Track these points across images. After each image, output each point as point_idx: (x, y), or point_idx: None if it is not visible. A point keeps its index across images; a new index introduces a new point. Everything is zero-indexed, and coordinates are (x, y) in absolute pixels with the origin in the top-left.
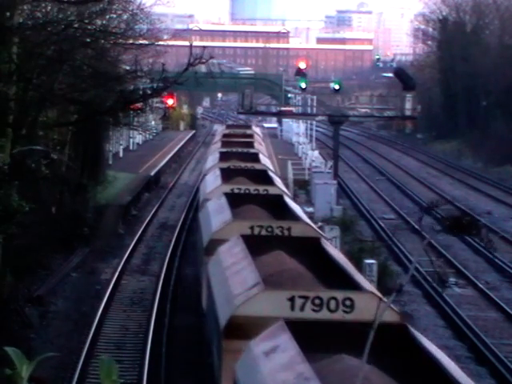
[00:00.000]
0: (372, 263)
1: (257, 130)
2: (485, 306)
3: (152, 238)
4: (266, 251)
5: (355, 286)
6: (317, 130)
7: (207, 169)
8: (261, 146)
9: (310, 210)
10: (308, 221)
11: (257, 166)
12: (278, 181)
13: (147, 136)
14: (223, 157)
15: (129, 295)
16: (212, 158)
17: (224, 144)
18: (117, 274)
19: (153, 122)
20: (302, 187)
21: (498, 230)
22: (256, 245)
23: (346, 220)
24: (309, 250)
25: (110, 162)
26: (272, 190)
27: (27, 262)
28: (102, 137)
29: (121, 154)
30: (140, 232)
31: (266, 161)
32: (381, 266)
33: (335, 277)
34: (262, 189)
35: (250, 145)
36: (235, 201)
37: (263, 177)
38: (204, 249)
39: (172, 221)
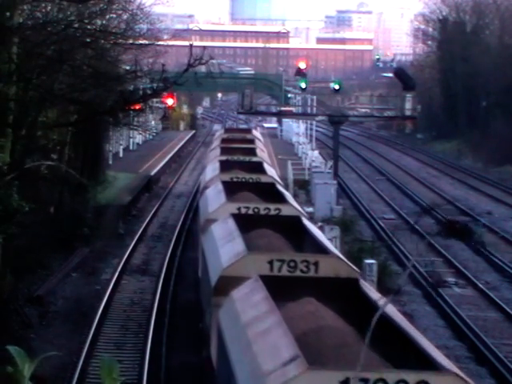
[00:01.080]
0: (372, 263)
1: (257, 134)
2: (485, 306)
3: (152, 238)
4: None
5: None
6: (317, 130)
7: (207, 181)
8: (263, 153)
9: (310, 210)
10: (338, 254)
11: (263, 179)
12: (289, 197)
13: (147, 136)
14: (224, 166)
15: (129, 295)
16: (212, 167)
17: (223, 151)
18: (117, 274)
19: (153, 122)
20: (302, 187)
21: (498, 230)
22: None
23: (346, 220)
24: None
25: (110, 162)
26: (286, 210)
27: (27, 262)
28: (102, 137)
29: (121, 154)
30: (140, 232)
31: (271, 171)
32: (381, 266)
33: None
34: (273, 208)
35: (253, 152)
36: (245, 224)
37: (272, 192)
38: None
39: (172, 221)
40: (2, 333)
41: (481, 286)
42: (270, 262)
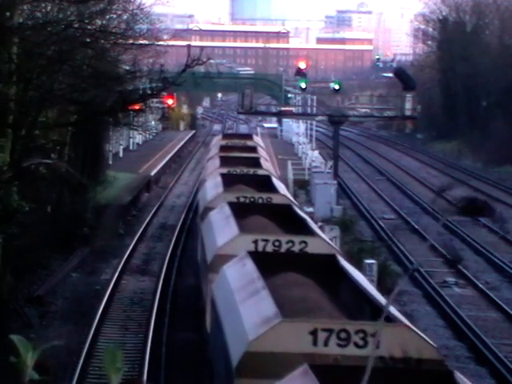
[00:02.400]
0: (372, 263)
1: (258, 139)
2: (485, 306)
3: (152, 238)
4: None
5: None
6: (317, 130)
7: (209, 201)
8: (269, 164)
9: (310, 210)
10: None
11: (276, 199)
12: (310, 222)
13: (147, 136)
14: (227, 182)
15: (129, 295)
16: (212, 183)
17: (223, 161)
18: (117, 274)
19: (153, 122)
20: (302, 187)
21: (498, 230)
22: None
23: (346, 220)
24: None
25: (110, 162)
26: (313, 243)
27: (27, 262)
28: (102, 137)
29: (121, 154)
30: (140, 232)
31: (283, 188)
32: (381, 266)
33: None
34: (298, 241)
35: (257, 163)
36: (265, 263)
37: (289, 216)
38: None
39: (172, 221)
40: (2, 333)
41: (481, 285)
42: (255, 242)
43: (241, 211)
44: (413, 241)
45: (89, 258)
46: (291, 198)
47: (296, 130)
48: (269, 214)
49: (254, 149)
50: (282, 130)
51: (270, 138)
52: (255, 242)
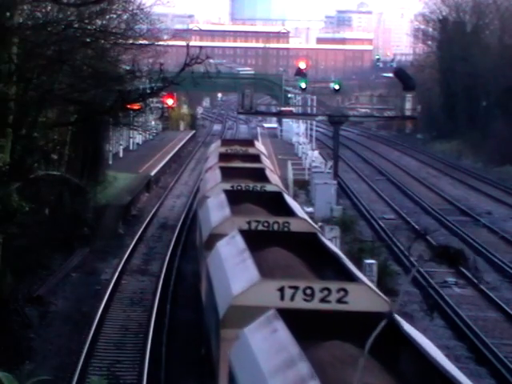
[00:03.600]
0: (372, 263)
1: (261, 146)
2: (485, 306)
3: (152, 238)
4: None
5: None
6: (317, 130)
7: (215, 226)
8: (275, 177)
9: (310, 210)
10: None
11: (295, 224)
12: (339, 253)
13: (147, 136)
14: (232, 200)
15: (129, 295)
16: (216, 201)
17: (225, 174)
18: (117, 274)
19: (153, 122)
20: (302, 187)
21: (498, 230)
22: None
23: (346, 220)
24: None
25: (110, 162)
26: (355, 290)
27: (27, 262)
28: (102, 137)
29: (121, 154)
30: (140, 232)
31: (298, 209)
32: (381, 265)
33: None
34: (336, 289)
35: (263, 176)
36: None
37: (315, 248)
38: None
39: (172, 220)
40: (2, 333)
41: (480, 285)
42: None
43: (255, 241)
44: (416, 244)
45: (89, 258)
46: (312, 223)
47: (296, 130)
48: (288, 243)
49: (257, 158)
50: (282, 130)
51: (270, 138)
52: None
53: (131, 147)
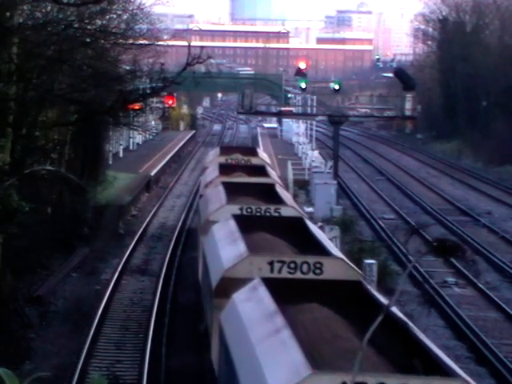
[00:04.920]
0: (372, 263)
1: (264, 155)
2: (485, 306)
3: (152, 238)
4: None
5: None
6: (317, 130)
7: (227, 268)
8: (288, 194)
9: (310, 210)
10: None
11: (329, 265)
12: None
13: (147, 136)
14: (245, 227)
15: (129, 295)
16: (225, 230)
17: (229, 191)
18: (117, 274)
19: (153, 122)
20: (302, 187)
21: (498, 230)
22: None
23: (346, 220)
24: None
25: (110, 162)
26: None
27: (27, 262)
28: (102, 137)
29: (121, 154)
30: (140, 232)
31: (323, 237)
32: (381, 265)
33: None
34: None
35: (275, 195)
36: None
37: (360, 298)
38: None
39: (172, 221)
40: (2, 333)
41: (481, 285)
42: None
43: (285, 293)
44: (413, 239)
45: (89, 258)
46: (349, 262)
47: (296, 130)
48: (328, 298)
49: (262, 170)
50: (282, 130)
51: (270, 138)
52: None
53: (131, 147)
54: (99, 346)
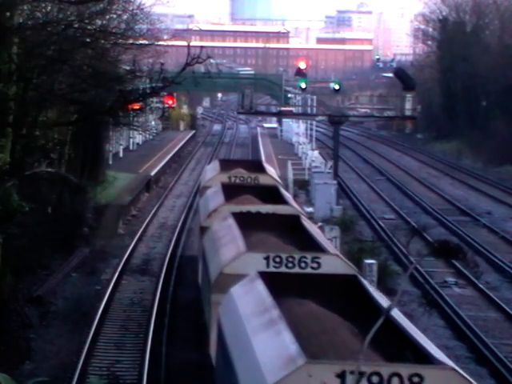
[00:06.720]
0: (372, 263)
1: (272, 170)
2: (485, 306)
3: (152, 238)
4: None
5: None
6: (317, 130)
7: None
8: (317, 230)
9: (310, 210)
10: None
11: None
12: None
13: (147, 136)
14: (277, 290)
15: (129, 295)
16: (254, 300)
17: (245, 229)
18: (117, 274)
19: (153, 122)
20: (302, 187)
21: (498, 230)
22: None
23: (346, 220)
24: None
25: (110, 162)
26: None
27: (27, 262)
28: (102, 137)
29: (121, 154)
30: (140, 232)
31: (383, 298)
32: (381, 265)
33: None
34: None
35: (302, 231)
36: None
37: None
38: None
39: (172, 220)
40: (2, 333)
41: (481, 285)
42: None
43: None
44: (414, 240)
45: (89, 258)
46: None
47: (296, 130)
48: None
49: (276, 192)
50: (281, 130)
51: (269, 138)
52: None
53: (131, 147)
54: (99, 346)
